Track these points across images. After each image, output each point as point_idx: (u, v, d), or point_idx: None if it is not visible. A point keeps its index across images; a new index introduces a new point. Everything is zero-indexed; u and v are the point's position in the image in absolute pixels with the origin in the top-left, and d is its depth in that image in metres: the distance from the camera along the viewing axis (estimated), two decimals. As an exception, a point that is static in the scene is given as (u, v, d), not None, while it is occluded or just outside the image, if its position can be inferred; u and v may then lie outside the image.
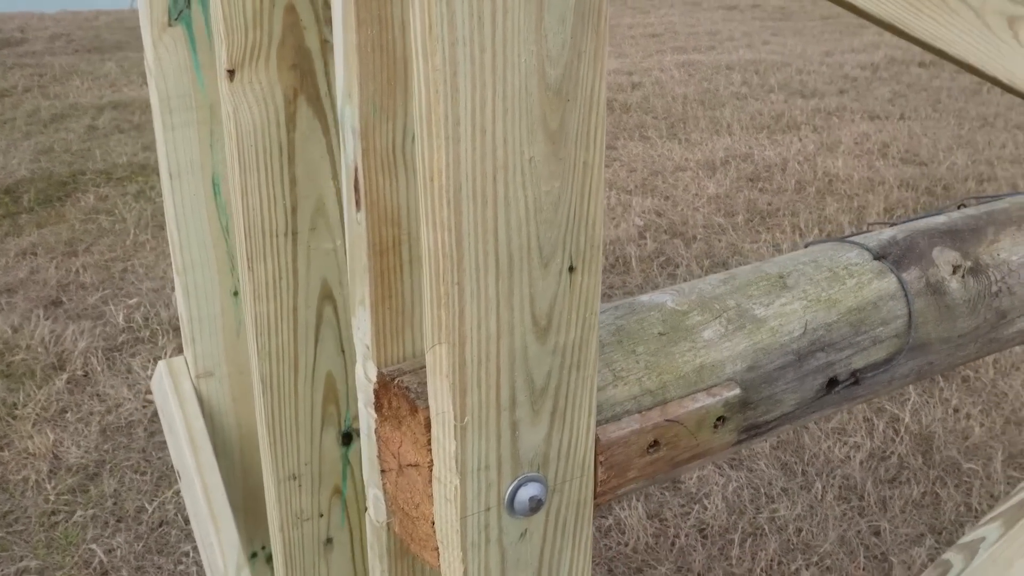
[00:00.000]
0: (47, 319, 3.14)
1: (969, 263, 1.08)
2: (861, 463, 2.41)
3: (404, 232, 0.82)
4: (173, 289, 3.50)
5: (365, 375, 0.88)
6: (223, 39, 1.01)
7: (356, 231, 0.81)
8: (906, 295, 1.02)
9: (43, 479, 2.42)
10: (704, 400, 0.90)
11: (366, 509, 1.34)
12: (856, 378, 0.99)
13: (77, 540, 2.15)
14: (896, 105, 6.03)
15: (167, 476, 2.39)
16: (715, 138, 5.36)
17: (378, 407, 0.86)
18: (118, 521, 2.23)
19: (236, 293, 1.47)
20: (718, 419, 0.91)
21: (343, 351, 1.22)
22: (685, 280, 3.55)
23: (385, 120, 0.78)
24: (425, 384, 0.82)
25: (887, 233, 1.11)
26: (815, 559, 2.09)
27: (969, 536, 1.21)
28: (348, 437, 1.27)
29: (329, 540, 1.30)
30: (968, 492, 2.28)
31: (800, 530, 2.18)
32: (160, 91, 1.34)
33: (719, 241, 3.89)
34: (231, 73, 1.02)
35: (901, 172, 4.70)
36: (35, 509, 2.28)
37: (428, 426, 0.80)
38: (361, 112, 0.77)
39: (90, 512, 2.25)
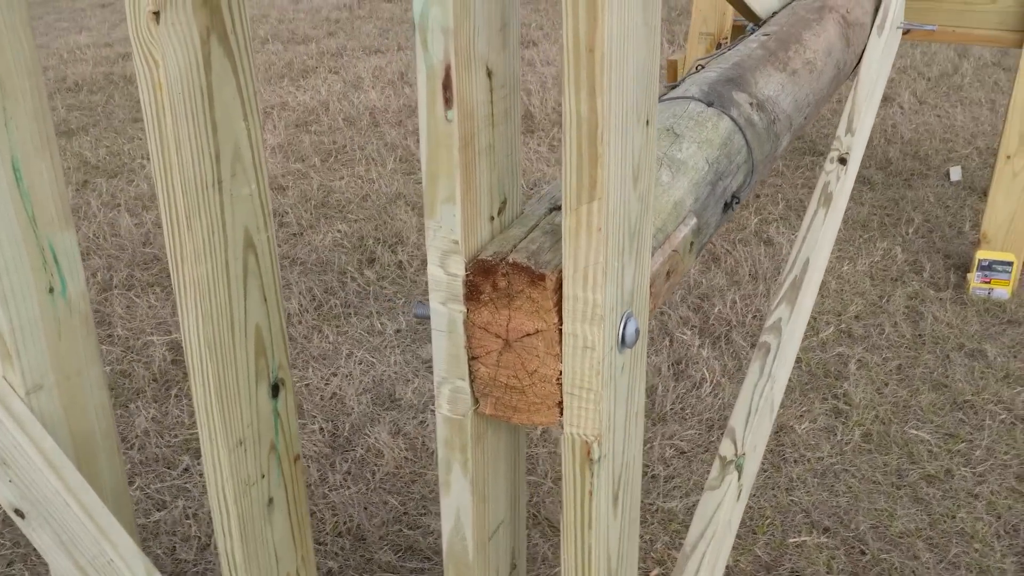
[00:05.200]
0: None
1: (754, 100, 1.40)
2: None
3: (475, 124, 0.88)
4: None
5: (445, 272, 0.92)
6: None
7: (445, 130, 0.86)
8: (740, 129, 1.30)
9: None
10: (683, 231, 1.10)
11: (296, 459, 1.31)
12: (737, 198, 1.25)
13: None
14: (389, 38, 6.47)
15: None
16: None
17: (473, 296, 0.92)
18: None
19: (51, 290, 1.29)
20: (690, 244, 1.12)
21: (265, 300, 1.18)
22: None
23: (465, 18, 0.83)
24: (534, 256, 0.90)
25: (692, 88, 1.38)
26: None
27: (770, 320, 1.57)
28: (276, 389, 1.23)
29: (271, 500, 1.26)
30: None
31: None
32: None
33: (309, 184, 3.97)
34: (156, 15, 0.94)
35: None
36: None
37: (557, 288, 0.89)
38: (454, 10, 0.81)
39: None
